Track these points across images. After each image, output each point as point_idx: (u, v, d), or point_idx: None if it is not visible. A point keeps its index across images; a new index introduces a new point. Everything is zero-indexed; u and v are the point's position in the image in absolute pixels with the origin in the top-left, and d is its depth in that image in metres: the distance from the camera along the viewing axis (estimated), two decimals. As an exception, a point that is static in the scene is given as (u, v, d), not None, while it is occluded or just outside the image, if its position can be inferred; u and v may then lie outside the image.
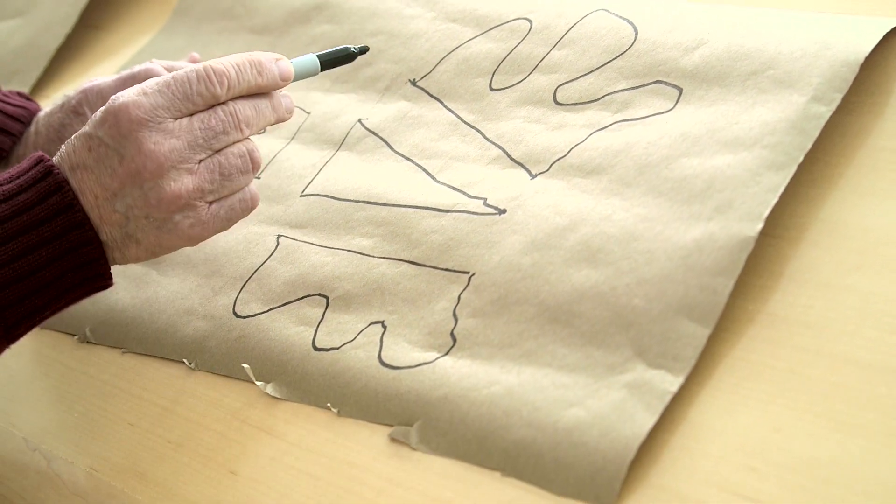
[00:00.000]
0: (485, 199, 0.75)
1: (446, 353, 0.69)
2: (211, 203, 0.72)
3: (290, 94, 0.76)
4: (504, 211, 0.73)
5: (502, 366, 0.66)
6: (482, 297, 0.70)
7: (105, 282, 0.72)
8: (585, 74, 0.78)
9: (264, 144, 0.90)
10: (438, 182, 0.78)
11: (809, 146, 0.66)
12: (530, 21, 0.85)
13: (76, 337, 0.85)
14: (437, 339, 0.70)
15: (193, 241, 0.72)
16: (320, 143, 0.87)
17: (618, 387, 0.62)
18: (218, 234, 0.83)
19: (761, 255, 0.66)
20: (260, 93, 0.73)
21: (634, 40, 0.78)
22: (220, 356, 0.77)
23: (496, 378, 0.66)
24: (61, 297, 0.70)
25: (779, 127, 0.67)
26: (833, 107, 0.67)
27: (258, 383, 0.74)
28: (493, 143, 0.79)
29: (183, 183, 0.69)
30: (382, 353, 0.71)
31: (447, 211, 0.76)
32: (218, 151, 0.71)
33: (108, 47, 1.18)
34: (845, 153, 0.68)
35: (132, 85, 0.93)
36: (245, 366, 0.75)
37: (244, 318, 0.78)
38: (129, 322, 0.83)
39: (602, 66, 0.78)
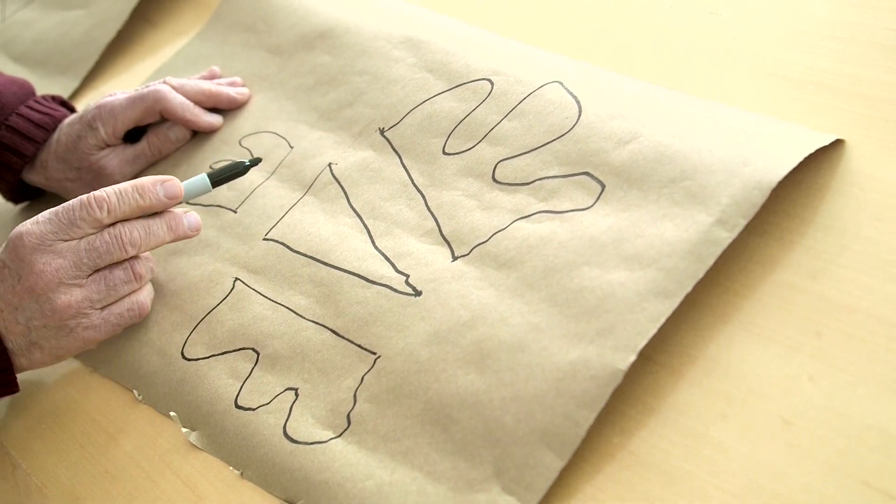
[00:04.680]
0: (408, 277, 0.72)
1: (339, 436, 0.67)
2: (102, 309, 0.77)
3: (194, 213, 0.82)
4: (420, 293, 0.70)
5: (381, 460, 0.64)
6: (381, 383, 0.68)
7: (10, 388, 0.78)
8: (525, 153, 0.74)
9: (248, 176, 0.89)
10: (376, 248, 0.75)
11: (701, 275, 0.60)
12: (492, 83, 0.80)
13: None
14: (336, 418, 0.68)
15: (89, 343, 0.78)
16: (293, 182, 0.85)
17: (471, 506, 0.59)
18: (187, 268, 0.84)
19: (640, 383, 0.61)
20: (154, 213, 0.79)
21: (576, 123, 0.72)
22: (162, 395, 0.77)
23: (372, 472, 0.64)
24: None
25: (678, 248, 0.62)
26: (736, 233, 0.61)
27: (184, 430, 0.74)
28: (431, 214, 0.75)
29: (72, 295, 0.75)
30: (288, 424, 0.69)
31: (374, 283, 0.73)
32: (105, 267, 0.77)
33: (157, 42, 1.17)
34: (746, 282, 0.62)
35: (140, 105, 0.94)
36: (172, 414, 0.75)
37: (189, 360, 0.77)
38: (104, 344, 0.83)
39: (542, 146, 0.73)
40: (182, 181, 0.80)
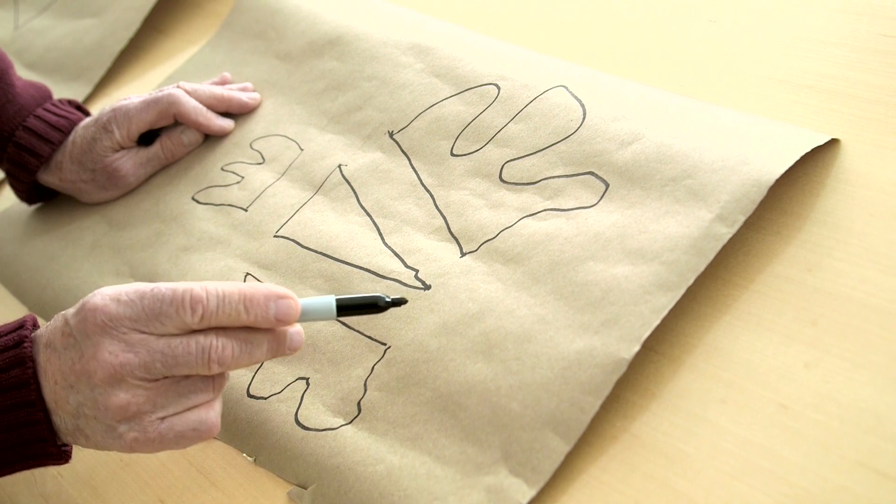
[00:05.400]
0: (417, 272, 0.74)
1: (350, 422, 0.69)
2: (162, 420, 0.63)
3: (300, 330, 0.65)
4: (430, 287, 0.72)
5: (391, 445, 0.66)
6: (391, 372, 0.70)
7: (58, 460, 0.66)
8: (531, 154, 0.76)
9: (259, 177, 0.91)
10: (385, 245, 0.77)
11: (702, 269, 0.63)
12: (499, 88, 0.82)
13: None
14: (347, 406, 0.70)
15: (136, 451, 0.64)
16: (304, 182, 0.87)
17: (479, 488, 0.62)
18: (198, 263, 0.86)
19: (642, 371, 0.63)
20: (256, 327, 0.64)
21: (581, 125, 0.75)
22: (176, 386, 0.79)
23: (383, 457, 0.66)
24: (8, 466, 0.65)
25: (680, 243, 0.64)
26: (735, 228, 0.63)
27: (198, 420, 0.75)
28: (440, 212, 0.77)
29: (133, 395, 0.62)
30: (299, 412, 0.71)
31: (384, 277, 0.75)
32: (171, 376, 0.63)
33: (168, 50, 1.20)
34: (745, 274, 0.65)
35: (155, 108, 0.96)
36: (187, 403, 0.77)
37: (201, 352, 0.79)
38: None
39: (547, 147, 0.76)
40: (302, 299, 0.65)
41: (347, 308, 0.65)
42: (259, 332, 0.64)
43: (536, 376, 0.63)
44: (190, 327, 0.62)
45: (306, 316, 0.65)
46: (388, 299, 0.65)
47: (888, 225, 0.63)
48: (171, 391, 0.63)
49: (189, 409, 0.64)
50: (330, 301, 0.65)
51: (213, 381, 0.64)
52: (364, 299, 0.65)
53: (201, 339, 0.62)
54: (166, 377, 0.63)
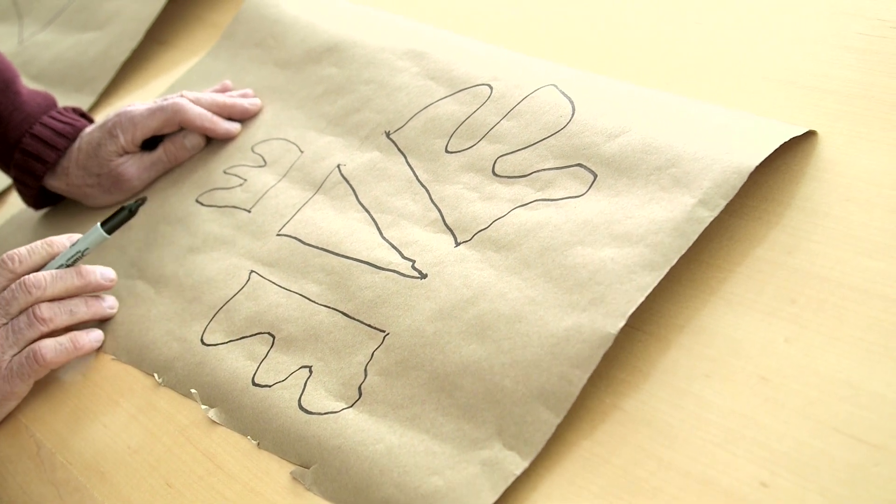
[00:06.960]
0: (414, 262, 0.77)
1: (351, 406, 0.72)
2: (12, 359, 0.84)
3: (110, 268, 0.91)
4: (426, 276, 0.75)
5: (390, 426, 0.69)
6: (390, 357, 0.73)
7: None
8: (523, 149, 0.79)
9: (261, 179, 0.94)
10: (383, 238, 0.81)
11: (685, 249, 0.66)
12: (491, 88, 0.86)
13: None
14: (348, 390, 0.73)
15: (3, 393, 0.85)
16: (304, 183, 0.91)
17: (475, 462, 0.64)
18: (204, 263, 0.89)
19: (631, 350, 0.66)
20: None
21: (570, 120, 0.78)
22: (182, 377, 0.82)
23: (382, 436, 0.69)
24: None
25: (664, 226, 0.67)
26: (716, 212, 0.67)
27: (203, 407, 0.78)
28: (435, 206, 0.80)
29: None
30: (302, 398, 0.74)
31: (382, 268, 0.78)
32: (12, 318, 0.85)
33: (171, 61, 1.23)
34: (729, 258, 0.68)
35: (160, 116, 0.99)
36: (193, 391, 0.79)
37: (208, 346, 0.82)
38: (124, 334, 0.88)
39: (538, 142, 0.79)
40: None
41: (113, 227, 0.89)
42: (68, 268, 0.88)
43: (527, 354, 0.66)
44: (16, 273, 0.86)
45: (87, 245, 0.88)
46: (131, 205, 0.90)
47: (862, 210, 0.66)
48: (9, 330, 0.84)
49: (27, 345, 0.84)
50: (96, 228, 0.88)
51: (33, 314, 0.85)
52: (117, 213, 0.90)
53: (15, 281, 0.86)
54: (4, 325, 0.84)
